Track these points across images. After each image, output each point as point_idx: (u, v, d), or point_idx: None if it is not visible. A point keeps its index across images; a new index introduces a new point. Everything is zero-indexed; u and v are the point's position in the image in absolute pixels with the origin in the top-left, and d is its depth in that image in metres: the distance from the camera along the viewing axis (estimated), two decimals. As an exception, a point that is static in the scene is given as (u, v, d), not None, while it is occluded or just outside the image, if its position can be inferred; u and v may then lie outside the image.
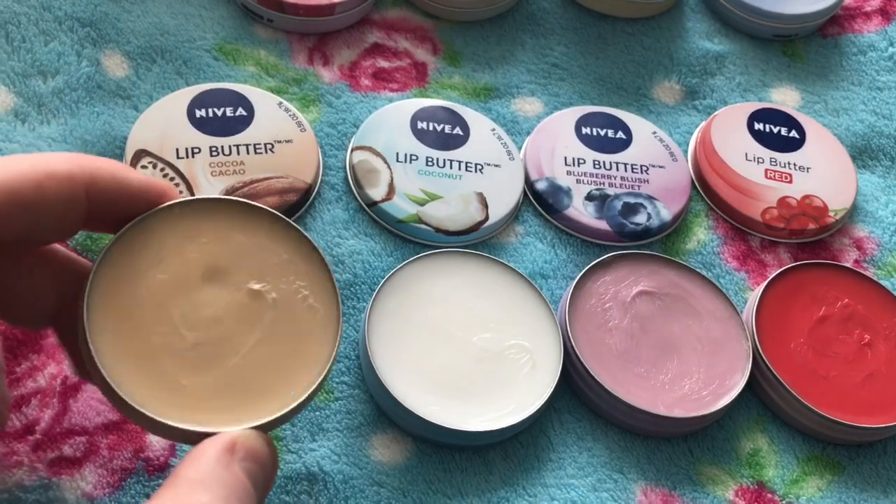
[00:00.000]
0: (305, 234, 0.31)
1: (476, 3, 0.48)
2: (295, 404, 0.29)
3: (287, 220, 0.31)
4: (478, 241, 0.42)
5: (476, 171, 0.43)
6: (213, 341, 0.29)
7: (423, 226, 0.41)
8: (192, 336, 0.29)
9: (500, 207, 0.42)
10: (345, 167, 0.42)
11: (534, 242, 0.43)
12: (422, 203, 0.41)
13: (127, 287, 0.29)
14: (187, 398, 0.28)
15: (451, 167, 0.43)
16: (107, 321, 0.28)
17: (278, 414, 0.29)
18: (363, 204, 0.41)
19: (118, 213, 0.29)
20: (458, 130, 0.44)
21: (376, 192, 0.41)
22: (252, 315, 0.30)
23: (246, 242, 0.31)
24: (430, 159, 0.43)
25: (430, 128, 0.44)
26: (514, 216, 0.43)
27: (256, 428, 0.28)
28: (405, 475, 0.35)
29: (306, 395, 0.29)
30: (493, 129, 0.45)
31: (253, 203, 0.31)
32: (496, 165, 0.43)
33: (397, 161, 0.42)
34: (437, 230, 0.41)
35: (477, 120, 0.45)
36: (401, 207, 0.41)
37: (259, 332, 0.30)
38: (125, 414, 0.28)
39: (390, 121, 0.44)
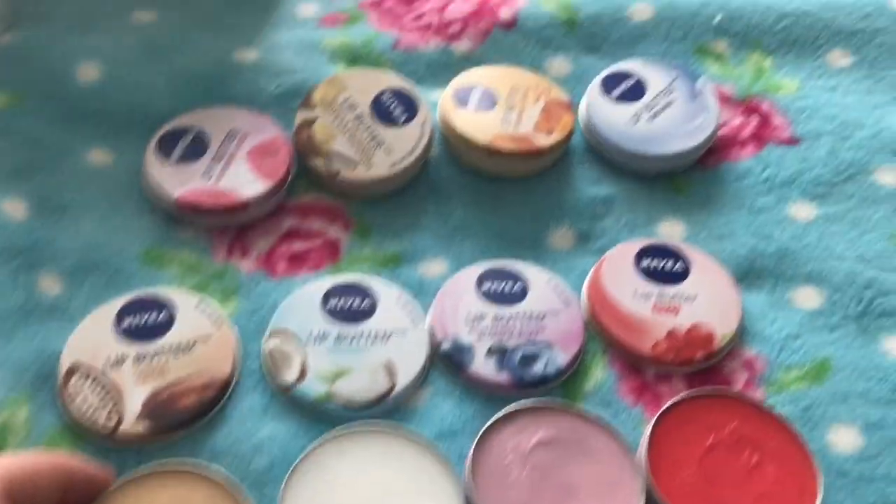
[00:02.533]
0: (208, 475, 0.40)
1: (381, 182, 0.53)
2: None
3: (193, 469, 0.40)
4: (387, 409, 0.45)
5: (383, 341, 0.47)
6: None
7: (332, 405, 0.44)
8: None
9: (407, 375, 0.46)
10: (261, 354, 0.47)
11: (442, 403, 0.46)
12: (332, 380, 0.45)
13: None
14: None
15: (359, 341, 0.47)
16: None
17: None
18: (277, 388, 0.45)
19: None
20: (366, 303, 0.48)
21: (289, 375, 0.45)
22: None
23: (168, 500, 0.39)
24: (340, 335, 0.47)
25: (340, 305, 0.48)
26: (422, 380, 0.47)
27: None
28: None
29: None
30: (399, 297, 0.49)
31: (164, 469, 0.40)
32: (402, 333, 0.47)
33: (308, 341, 0.46)
34: (347, 407, 0.45)
35: (384, 290, 0.49)
36: (313, 388, 0.45)
37: None
38: None
39: (302, 303, 0.48)
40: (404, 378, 0.46)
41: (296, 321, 0.47)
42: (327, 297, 0.48)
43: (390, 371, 0.46)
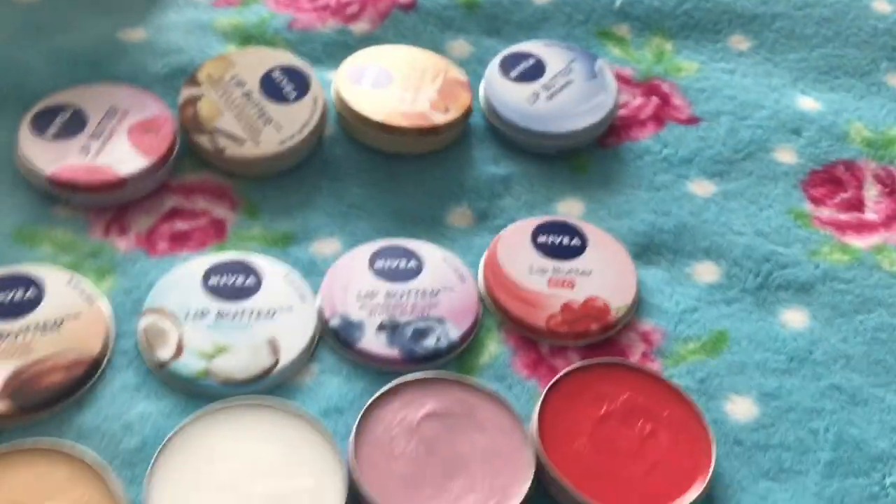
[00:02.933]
0: (73, 453, 0.38)
1: (270, 159, 0.51)
2: None
3: (58, 448, 0.38)
4: (271, 386, 0.43)
5: (267, 318, 0.45)
6: None
7: (210, 381, 0.42)
8: None
9: (292, 350, 0.44)
10: (136, 333, 0.44)
11: (330, 379, 0.44)
12: (210, 357, 0.43)
13: None
14: None
15: (241, 317, 0.45)
16: None
17: None
18: (152, 366, 0.43)
19: None
20: (250, 280, 0.46)
21: (164, 353, 0.43)
22: None
23: (28, 477, 0.37)
24: (220, 312, 0.45)
25: (222, 282, 0.46)
26: (309, 356, 0.45)
27: None
28: None
29: None
30: (287, 275, 0.47)
31: (24, 448, 0.38)
32: (288, 309, 0.45)
33: (187, 318, 0.44)
34: (226, 383, 0.42)
35: (270, 268, 0.47)
36: (189, 365, 0.43)
37: None
38: None
39: (181, 280, 0.46)
40: (288, 354, 0.44)
41: (174, 299, 0.45)
42: (208, 274, 0.46)
43: (274, 347, 0.44)
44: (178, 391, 0.42)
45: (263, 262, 0.47)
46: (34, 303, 0.43)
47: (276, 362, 0.43)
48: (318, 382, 0.44)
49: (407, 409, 0.42)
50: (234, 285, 0.46)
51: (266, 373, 0.43)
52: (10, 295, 0.43)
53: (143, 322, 0.44)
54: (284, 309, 0.45)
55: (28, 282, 0.44)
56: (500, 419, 0.42)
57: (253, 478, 0.39)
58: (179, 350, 0.43)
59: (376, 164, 0.54)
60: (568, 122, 0.55)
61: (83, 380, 0.41)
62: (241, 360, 0.43)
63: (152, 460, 0.38)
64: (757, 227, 0.52)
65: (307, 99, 0.53)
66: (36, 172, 0.48)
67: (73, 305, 0.43)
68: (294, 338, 0.44)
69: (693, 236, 0.52)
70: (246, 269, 0.47)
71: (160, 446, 0.39)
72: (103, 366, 0.42)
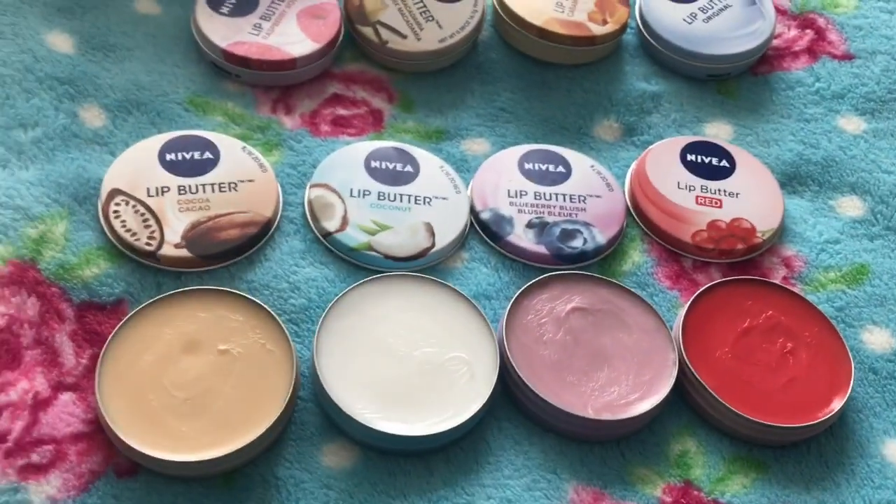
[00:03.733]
0: (252, 297, 0.41)
1: (429, 55, 0.53)
2: (263, 430, 0.37)
3: (235, 292, 0.41)
4: (425, 266, 0.45)
5: (424, 204, 0.47)
6: (199, 395, 0.38)
7: (373, 253, 0.44)
8: (181, 394, 0.38)
9: (446, 235, 0.46)
10: (303, 203, 0.46)
11: (478, 267, 0.46)
12: (372, 233, 0.45)
13: (126, 371, 0.38)
14: (188, 440, 0.37)
15: (400, 200, 0.47)
16: (116, 399, 0.37)
17: (254, 438, 0.37)
18: (318, 235, 0.45)
19: None
20: (408, 168, 0.48)
21: (331, 224, 0.45)
22: (225, 368, 0.39)
23: (208, 317, 0.40)
24: (381, 194, 0.47)
25: (383, 166, 0.48)
26: (461, 244, 0.46)
27: (238, 451, 0.37)
28: (352, 479, 0.38)
29: (273, 421, 0.37)
30: (442, 167, 0.48)
31: (207, 287, 0.41)
32: (443, 198, 0.47)
33: (351, 196, 0.46)
34: (387, 257, 0.44)
35: (426, 158, 0.49)
36: (353, 237, 0.45)
37: (233, 380, 0.39)
38: (143, 462, 0.37)
39: (346, 160, 0.48)
40: (444, 238, 0.45)
41: (338, 177, 0.47)
42: (370, 158, 0.48)
43: (430, 230, 0.45)
44: (340, 260, 0.45)
45: (421, 153, 0.49)
46: (211, 164, 0.45)
47: (433, 244, 0.45)
48: (468, 269, 0.46)
49: (555, 301, 0.44)
50: (394, 170, 0.47)
51: (423, 253, 0.45)
52: (190, 154, 0.45)
53: (311, 194, 0.46)
54: (440, 198, 0.47)
55: (206, 144, 0.46)
56: (644, 321, 0.43)
57: (412, 344, 0.41)
58: (344, 223, 0.45)
59: (528, 70, 0.54)
60: (723, 45, 0.55)
61: (256, 239, 0.44)
62: (400, 239, 0.45)
63: (321, 318, 0.41)
64: (906, 168, 0.52)
65: (468, 1, 0.54)
66: (212, 46, 0.50)
67: (247, 171, 0.45)
68: (449, 224, 0.46)
69: (840, 170, 0.52)
70: (405, 157, 0.48)
71: (328, 305, 0.41)
72: (273, 229, 0.45)
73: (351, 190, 0.46)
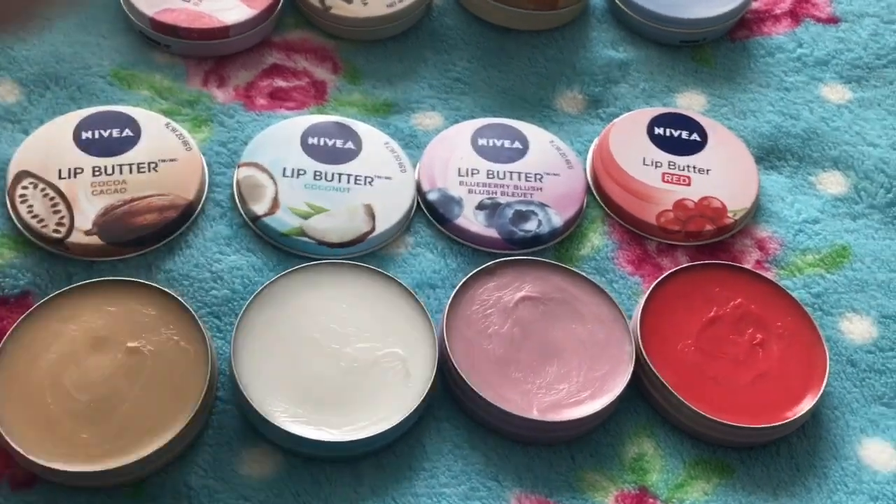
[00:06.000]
0: (167, 290, 0.37)
1: (377, 21, 0.49)
2: (172, 436, 0.34)
3: (148, 283, 0.38)
4: (364, 252, 0.41)
5: (365, 184, 0.43)
6: (103, 397, 0.35)
7: (305, 238, 0.41)
8: (84, 397, 0.35)
9: (388, 219, 0.42)
10: (231, 184, 0.43)
11: (424, 253, 0.42)
12: (306, 216, 0.41)
13: (24, 372, 0.35)
14: (90, 448, 0.33)
15: (339, 181, 0.43)
16: (11, 402, 0.34)
17: (161, 445, 0.34)
18: (246, 219, 0.41)
19: None
20: (349, 145, 0.44)
21: (260, 207, 0.41)
22: (134, 368, 0.35)
23: (117, 311, 0.37)
24: (318, 173, 0.43)
25: (321, 143, 0.44)
26: (405, 228, 0.43)
27: (145, 459, 0.33)
28: (272, 488, 0.35)
29: (183, 426, 0.34)
30: (387, 143, 0.45)
31: (118, 278, 0.38)
32: (387, 178, 0.43)
33: (284, 176, 0.42)
34: (321, 242, 0.41)
35: (370, 134, 0.45)
36: (284, 221, 0.41)
37: (142, 381, 0.35)
38: (41, 474, 0.34)
39: (280, 137, 0.44)
40: (385, 222, 0.42)
41: (271, 155, 0.43)
42: (307, 134, 0.44)
43: (370, 213, 0.42)
44: (270, 247, 0.41)
45: (364, 129, 0.45)
46: (130, 143, 0.42)
47: (373, 228, 0.41)
48: (412, 255, 0.42)
49: (504, 290, 0.40)
50: (333, 147, 0.44)
51: (361, 238, 0.41)
52: (108, 133, 0.42)
53: (240, 174, 0.42)
54: (383, 177, 0.43)
55: (125, 121, 0.42)
56: (600, 311, 0.40)
57: (343, 339, 0.37)
58: (275, 205, 0.41)
59: (487, 37, 0.50)
60: (698, 8, 0.51)
61: (176, 224, 0.40)
62: (336, 222, 0.41)
63: (242, 310, 0.37)
64: (894, 139, 0.48)
65: (421, -39, 0.50)
66: (138, 14, 0.46)
67: (170, 149, 0.42)
68: (391, 206, 0.42)
69: (822, 143, 0.48)
70: (346, 132, 0.44)
71: (252, 296, 0.38)
72: (196, 213, 0.41)
73: (284, 169, 0.43)
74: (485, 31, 0.51)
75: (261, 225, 0.41)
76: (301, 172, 0.43)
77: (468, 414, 0.38)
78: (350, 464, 0.36)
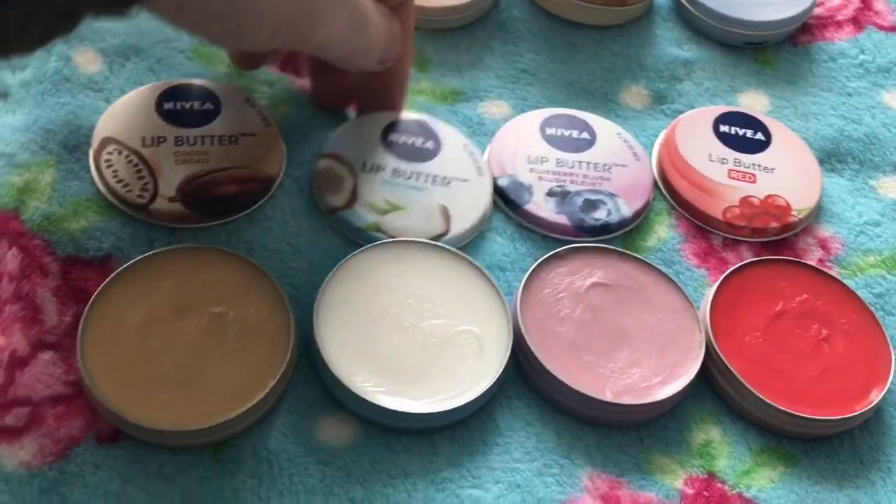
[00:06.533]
0: (251, 260, 0.38)
1: (446, 11, 0.49)
2: (256, 401, 0.35)
3: (232, 252, 0.38)
4: None
5: (442, 185, 0.43)
6: (189, 360, 0.35)
7: (380, 234, 0.41)
8: (170, 359, 0.35)
9: (463, 221, 0.42)
10: (310, 170, 0.43)
11: (494, 237, 0.43)
12: (383, 213, 0.42)
13: (111, 332, 0.35)
14: (176, 408, 0.34)
15: (417, 179, 0.43)
16: (99, 361, 0.35)
17: (246, 408, 0.34)
18: (323, 210, 0.42)
19: None
20: (429, 144, 0.44)
21: (337, 199, 0.41)
22: (217, 333, 0.36)
23: (202, 278, 0.37)
24: (396, 170, 0.43)
25: (402, 140, 0.44)
26: (478, 232, 0.43)
27: (229, 422, 0.34)
28: (349, 455, 0.35)
29: (267, 391, 0.35)
30: (466, 145, 0.45)
31: (200, 245, 0.38)
32: (464, 180, 0.44)
33: (363, 170, 0.43)
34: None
35: (450, 135, 0.45)
36: (361, 216, 0.41)
37: (225, 346, 0.36)
38: (126, 429, 0.34)
39: (361, 131, 0.44)
40: (460, 224, 0.42)
41: (352, 148, 0.43)
42: (389, 130, 0.44)
43: (446, 215, 0.42)
44: (345, 239, 0.41)
45: (445, 128, 0.45)
46: (211, 115, 0.42)
47: (447, 230, 0.42)
48: (483, 238, 0.43)
49: (575, 275, 0.41)
50: (413, 145, 0.44)
51: (436, 238, 0.41)
52: (190, 104, 0.42)
53: (319, 165, 0.43)
54: (460, 179, 0.43)
55: (206, 94, 0.43)
56: (670, 300, 0.40)
57: (419, 315, 0.38)
58: (353, 199, 0.42)
59: (554, 31, 0.51)
60: (762, 11, 0.51)
61: (257, 196, 0.41)
62: (412, 222, 0.41)
63: (323, 284, 0.38)
64: (953, 148, 0.49)
65: (494, -46, 0.51)
66: (218, -10, 0.47)
67: (250, 124, 0.42)
68: (467, 209, 0.42)
69: (883, 148, 0.49)
70: (426, 131, 0.45)
71: (331, 271, 0.38)
72: (275, 187, 0.42)
73: (364, 163, 0.43)
74: (552, 24, 0.51)
75: (337, 218, 0.41)
76: (380, 168, 0.43)
77: (539, 394, 0.38)
78: (425, 435, 0.36)
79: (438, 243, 0.40)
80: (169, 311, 0.36)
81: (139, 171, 0.40)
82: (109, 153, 0.40)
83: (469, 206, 0.43)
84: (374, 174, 0.43)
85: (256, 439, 0.35)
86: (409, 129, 0.45)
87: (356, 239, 0.41)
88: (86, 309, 0.36)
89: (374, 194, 0.42)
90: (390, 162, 0.43)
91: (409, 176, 0.43)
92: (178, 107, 0.42)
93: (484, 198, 0.43)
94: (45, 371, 0.35)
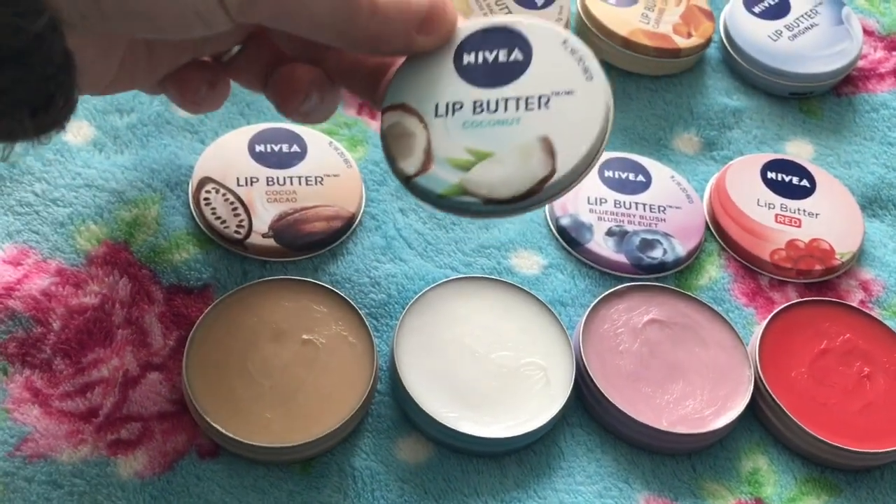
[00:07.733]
0: (336, 290, 0.41)
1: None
2: (343, 421, 0.38)
3: (321, 283, 0.42)
4: (538, 205, 0.34)
5: (540, 108, 0.33)
6: (283, 382, 0.39)
7: (468, 198, 0.33)
8: (266, 381, 0.39)
9: (573, 152, 0.32)
10: (384, 198, 0.46)
11: (555, 273, 0.46)
12: (467, 167, 0.33)
13: (212, 355, 0.39)
14: (271, 426, 0.38)
15: (506, 109, 0.34)
16: (201, 381, 0.38)
17: (333, 428, 0.38)
18: (399, 180, 0.35)
19: None
20: (515, 55, 0.34)
21: (410, 164, 0.34)
22: (308, 358, 0.40)
23: (293, 307, 0.41)
24: (478, 104, 0.34)
25: (481, 59, 0.34)
26: (591, 161, 0.33)
27: (319, 440, 0.37)
28: (426, 473, 0.39)
29: (353, 412, 0.38)
30: (565, 42, 0.34)
31: (292, 277, 0.42)
32: (567, 93, 0.33)
33: (436, 115, 0.34)
34: (488, 201, 0.33)
35: (542, 35, 0.34)
36: (440, 178, 0.33)
37: (315, 370, 0.39)
38: (226, 445, 0.38)
39: (429, 64, 0.35)
40: (569, 157, 0.32)
41: (418, 90, 0.34)
42: (461, 50, 0.34)
43: (549, 150, 0.33)
44: (421, 257, 0.45)
45: (532, 25, 0.34)
46: (298, 157, 0.46)
47: (553, 171, 0.32)
48: (545, 274, 0.46)
49: (633, 311, 0.44)
50: (494, 63, 0.34)
51: (539, 186, 0.33)
52: (278, 147, 0.46)
53: (385, 122, 0.35)
54: (562, 92, 0.33)
55: (293, 138, 0.47)
56: (721, 337, 0.43)
57: (488, 346, 0.41)
58: (428, 159, 0.34)
59: (610, 80, 0.54)
60: (808, 64, 0.54)
61: (340, 232, 0.44)
62: (506, 170, 0.33)
63: (402, 313, 0.41)
64: None
65: (553, 7, 0.54)
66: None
67: (333, 166, 0.46)
68: (575, 133, 0.33)
69: (923, 196, 0.51)
70: (508, 39, 0.34)
71: (409, 303, 0.42)
72: (355, 224, 0.45)
73: (437, 106, 0.34)
74: (607, 73, 0.54)
75: (413, 187, 0.34)
76: (458, 107, 0.34)
77: (599, 422, 0.41)
78: (495, 458, 0.39)
79: (505, 280, 0.44)
80: (265, 337, 0.40)
81: (235, 208, 0.44)
82: (207, 192, 0.44)
83: (578, 126, 0.33)
84: (450, 118, 0.34)
85: (342, 457, 0.39)
86: (487, 42, 0.34)
87: (441, 209, 0.34)
88: (190, 334, 0.39)
89: (452, 147, 0.34)
90: (468, 94, 0.34)
91: (494, 107, 0.34)
92: (268, 149, 0.46)
93: (599, 111, 0.33)
94: (153, 390, 0.39)
